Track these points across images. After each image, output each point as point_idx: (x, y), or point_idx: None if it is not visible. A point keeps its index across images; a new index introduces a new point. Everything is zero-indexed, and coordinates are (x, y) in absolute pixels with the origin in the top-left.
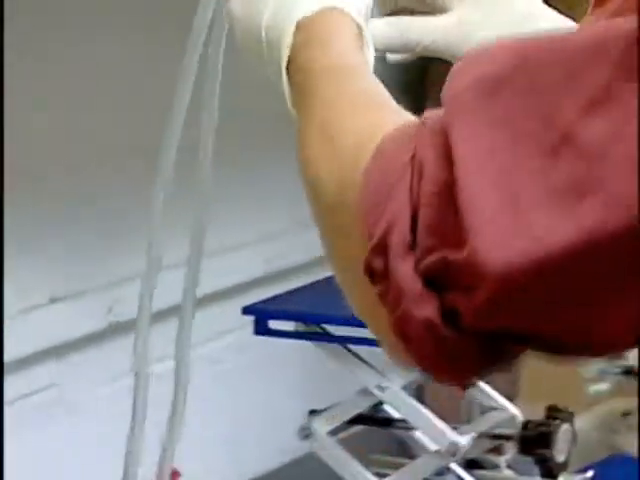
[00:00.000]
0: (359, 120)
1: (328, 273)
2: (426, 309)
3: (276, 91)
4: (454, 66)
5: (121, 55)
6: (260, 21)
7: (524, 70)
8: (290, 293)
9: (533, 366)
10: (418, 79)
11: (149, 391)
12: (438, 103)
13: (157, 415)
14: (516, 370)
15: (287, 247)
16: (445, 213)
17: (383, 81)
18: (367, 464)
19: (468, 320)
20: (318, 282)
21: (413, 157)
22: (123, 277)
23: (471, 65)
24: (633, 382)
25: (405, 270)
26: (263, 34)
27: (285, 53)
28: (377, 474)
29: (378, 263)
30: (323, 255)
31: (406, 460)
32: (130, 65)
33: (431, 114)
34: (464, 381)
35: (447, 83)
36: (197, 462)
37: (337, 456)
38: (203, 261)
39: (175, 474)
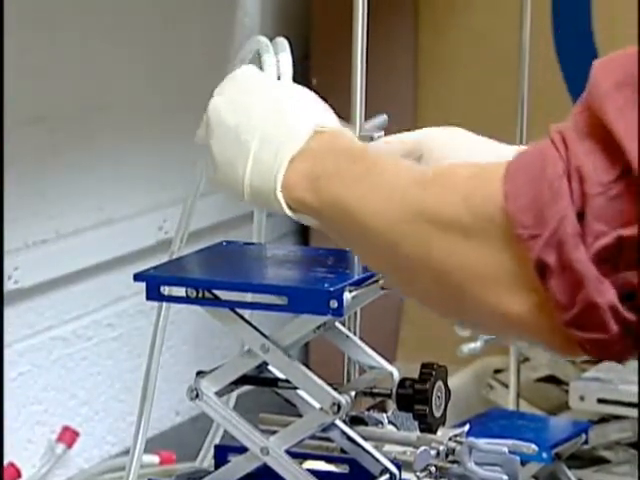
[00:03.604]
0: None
1: (213, 241)
2: (608, 294)
3: None
4: (592, 73)
5: None
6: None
7: None
8: (178, 260)
9: (410, 328)
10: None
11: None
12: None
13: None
14: (394, 333)
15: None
16: (617, 200)
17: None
18: (256, 422)
19: None
20: (204, 250)
21: (567, 166)
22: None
23: (607, 71)
24: (503, 340)
25: (584, 258)
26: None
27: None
28: (266, 431)
29: (552, 257)
30: (213, 223)
31: (293, 418)
32: None
33: (559, 130)
34: (629, 357)
35: (591, 90)
36: (96, 423)
37: (225, 415)
38: (99, 230)
39: (74, 434)
